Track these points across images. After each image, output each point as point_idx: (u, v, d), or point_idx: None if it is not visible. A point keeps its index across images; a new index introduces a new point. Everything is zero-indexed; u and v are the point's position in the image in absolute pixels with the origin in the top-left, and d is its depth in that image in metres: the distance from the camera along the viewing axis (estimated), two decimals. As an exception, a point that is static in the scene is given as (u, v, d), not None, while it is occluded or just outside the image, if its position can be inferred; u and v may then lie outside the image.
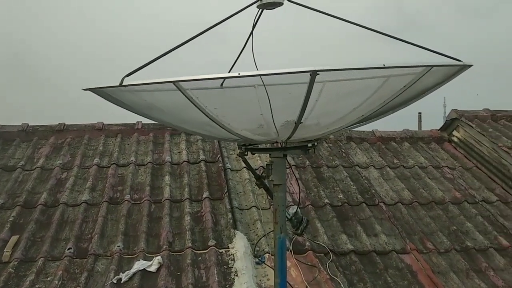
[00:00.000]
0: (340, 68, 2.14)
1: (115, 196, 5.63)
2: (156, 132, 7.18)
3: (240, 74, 2.16)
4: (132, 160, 6.34)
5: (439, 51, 2.62)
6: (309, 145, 3.04)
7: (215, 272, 4.35)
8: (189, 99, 2.41)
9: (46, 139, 6.93)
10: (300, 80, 2.38)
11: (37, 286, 4.19)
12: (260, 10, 2.88)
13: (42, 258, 4.51)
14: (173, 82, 2.23)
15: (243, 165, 6.37)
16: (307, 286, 4.37)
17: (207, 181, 5.92)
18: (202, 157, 6.48)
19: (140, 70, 2.59)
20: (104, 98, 2.85)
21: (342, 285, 4.37)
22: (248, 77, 2.41)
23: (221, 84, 2.64)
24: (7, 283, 4.20)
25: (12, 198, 5.51)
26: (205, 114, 2.57)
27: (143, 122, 7.34)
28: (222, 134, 2.96)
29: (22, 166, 6.17)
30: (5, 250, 4.62)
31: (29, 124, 7.19)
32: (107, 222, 5.14)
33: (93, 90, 2.65)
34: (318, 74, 2.06)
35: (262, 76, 2.23)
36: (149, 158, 6.41)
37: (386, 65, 2.13)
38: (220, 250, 4.73)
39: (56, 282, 4.18)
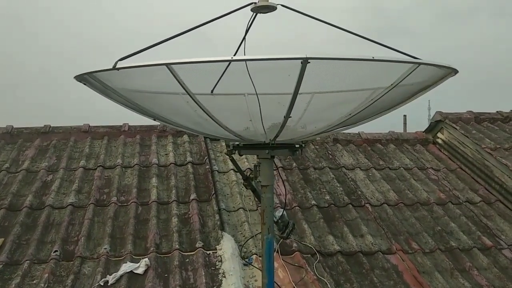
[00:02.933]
0: (330, 57, 2.17)
1: (102, 198, 5.60)
2: (143, 134, 7.16)
3: (233, 58, 2.20)
4: (118, 162, 6.32)
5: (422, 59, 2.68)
6: (297, 145, 3.08)
7: (203, 273, 4.35)
8: (180, 84, 2.43)
9: (31, 141, 6.87)
10: (288, 90, 2.42)
11: (22, 289, 4.15)
12: (254, 13, 2.92)
13: (27, 261, 4.47)
14: (166, 64, 2.25)
15: (231, 167, 6.39)
16: (294, 287, 4.39)
17: (194, 183, 5.92)
18: (189, 159, 6.48)
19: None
20: (96, 89, 2.85)
21: (329, 286, 4.41)
22: (239, 86, 2.53)
23: (212, 91, 2.67)
24: (-8, 286, 4.15)
25: (-3, 200, 5.44)
26: (196, 102, 2.59)
27: (129, 124, 7.33)
28: (212, 129, 2.99)
29: (7, 169, 6.10)
30: (-11, 253, 4.57)
31: (14, 126, 7.12)
32: (94, 225, 5.11)
33: (86, 75, 2.65)
34: (309, 62, 2.09)
35: (250, 65, 2.25)
36: (136, 160, 6.39)
37: (374, 58, 2.17)
38: (208, 252, 4.74)
39: (42, 285, 4.15)
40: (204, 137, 7.05)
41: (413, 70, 2.37)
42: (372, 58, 2.15)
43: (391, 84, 2.47)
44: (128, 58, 2.64)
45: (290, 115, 2.62)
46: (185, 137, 7.08)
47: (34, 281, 4.26)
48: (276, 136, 2.89)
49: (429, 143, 7.69)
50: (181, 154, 6.73)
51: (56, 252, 4.59)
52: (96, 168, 6.19)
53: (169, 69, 2.31)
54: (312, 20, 2.98)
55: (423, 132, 7.95)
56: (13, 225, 5.02)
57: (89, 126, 7.26)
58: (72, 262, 4.50)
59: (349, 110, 2.82)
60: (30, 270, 4.41)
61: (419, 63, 2.37)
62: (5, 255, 4.54)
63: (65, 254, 4.63)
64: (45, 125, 7.21)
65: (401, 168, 6.81)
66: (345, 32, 3.00)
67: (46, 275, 4.27)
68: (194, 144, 7.01)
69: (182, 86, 2.48)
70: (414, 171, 6.80)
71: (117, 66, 2.43)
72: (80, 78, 2.79)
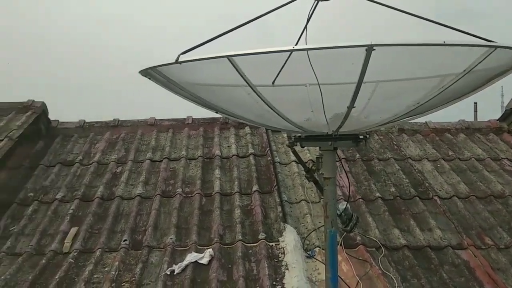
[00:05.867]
0: (397, 43, 2.04)
1: (168, 189, 5.77)
2: (206, 126, 7.29)
3: (294, 48, 2.13)
4: (183, 154, 6.47)
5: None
6: (361, 136, 2.99)
7: (266, 265, 4.36)
8: (242, 76, 2.41)
9: (101, 134, 7.19)
10: (350, 79, 2.34)
11: (95, 276, 4.36)
12: (316, 1, 2.84)
13: (99, 249, 4.69)
14: (227, 56, 2.23)
15: (292, 158, 6.35)
16: (358, 281, 4.30)
17: (256, 175, 5.95)
18: (251, 150, 6.52)
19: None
20: (160, 83, 2.91)
21: (395, 281, 4.27)
22: (299, 76, 2.47)
23: (273, 82, 2.63)
24: (68, 272, 4.40)
25: (71, 191, 5.76)
26: (257, 94, 2.57)
27: (193, 117, 7.48)
28: (274, 121, 2.96)
29: (80, 161, 6.43)
30: (65, 241, 4.84)
31: (86, 121, 7.48)
32: (160, 215, 5.27)
33: (150, 70, 2.70)
34: (374, 49, 1.99)
35: (311, 54, 2.18)
36: (200, 152, 6.52)
37: (446, 42, 2.02)
38: (270, 244, 4.74)
39: (113, 272, 4.34)
40: (265, 128, 7.05)
41: (488, 55, 2.20)
42: (443, 43, 2.01)
43: (464, 70, 2.31)
44: (190, 52, 2.66)
45: (354, 105, 2.53)
46: (247, 129, 7.13)
47: (106, 269, 4.46)
48: (339, 127, 2.81)
49: (504, 132, 7.23)
50: (243, 146, 6.78)
51: (126, 241, 4.78)
52: (162, 160, 6.37)
53: (230, 61, 2.30)
54: (374, 6, 2.86)
55: (497, 120, 7.48)
56: (86, 215, 5.29)
57: (155, 119, 7.49)
58: (140, 251, 4.67)
59: (416, 98, 2.69)
60: (102, 258, 4.62)
61: (496, 47, 2.19)
62: (79, 243, 4.79)
63: (133, 243, 4.81)
64: (114, 119, 7.52)
65: (473, 158, 6.46)
66: (410, 16, 2.85)
67: (117, 263, 4.46)
68: (256, 136, 7.04)
69: (244, 78, 2.46)
70: (487, 162, 6.42)
71: (179, 60, 2.45)
72: (145, 72, 2.85)
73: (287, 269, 4.37)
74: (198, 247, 4.68)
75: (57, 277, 4.29)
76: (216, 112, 3.29)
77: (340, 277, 4.09)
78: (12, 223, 5.22)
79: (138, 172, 6.18)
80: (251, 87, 2.53)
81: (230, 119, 7.20)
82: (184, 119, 7.49)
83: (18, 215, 5.36)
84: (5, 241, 4.90)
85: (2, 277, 4.29)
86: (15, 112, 7.13)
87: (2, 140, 6.33)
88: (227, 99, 3.08)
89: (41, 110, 7.18)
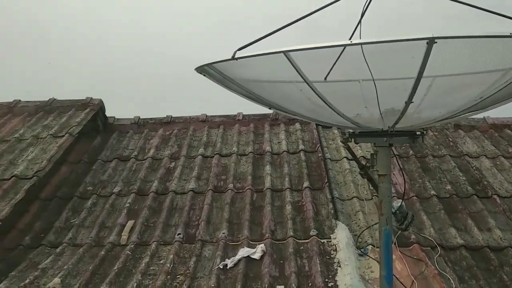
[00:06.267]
0: (460, 35, 1.97)
1: (219, 184, 5.86)
2: (256, 122, 7.34)
3: (351, 42, 2.10)
4: (234, 150, 6.55)
5: None
6: (417, 133, 2.92)
7: (318, 262, 4.35)
8: (298, 72, 2.41)
9: (155, 130, 7.40)
10: (405, 73, 2.28)
11: (151, 268, 4.50)
12: None
13: (155, 242, 4.84)
14: (284, 52, 2.24)
15: (343, 155, 6.29)
16: (413, 280, 4.21)
17: (307, 171, 5.93)
18: (301, 147, 6.50)
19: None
20: (215, 80, 2.95)
21: (452, 281, 4.14)
22: (352, 71, 2.44)
23: (325, 78, 2.61)
24: (125, 264, 4.56)
25: (128, 186, 5.96)
26: (313, 90, 2.56)
27: (243, 113, 7.55)
28: (327, 116, 2.93)
29: (135, 156, 6.64)
30: (123, 234, 5.03)
31: (140, 117, 7.72)
32: (213, 210, 5.36)
33: (205, 67, 2.74)
34: (436, 42, 1.93)
35: (366, 49, 2.14)
36: (250, 148, 6.57)
37: None
38: (322, 240, 4.72)
39: (168, 265, 4.46)
40: (316, 124, 7.01)
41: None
42: (510, 35, 1.93)
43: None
44: (245, 48, 2.68)
45: (412, 101, 2.47)
46: (297, 125, 7.12)
47: (161, 261, 4.60)
48: (396, 123, 2.75)
49: None
50: (293, 142, 6.78)
51: (180, 235, 4.90)
52: (213, 156, 6.48)
53: (286, 56, 2.29)
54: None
55: (562, 115, 7.08)
56: (141, 208, 5.47)
57: (206, 115, 7.62)
58: (194, 245, 4.78)
59: (476, 93, 2.59)
60: (157, 250, 4.77)
61: None
62: (135, 236, 4.96)
63: (187, 237, 4.93)
64: (167, 116, 7.72)
65: (535, 156, 6.15)
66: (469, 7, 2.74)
67: (172, 256, 4.59)
68: (306, 132, 7.01)
69: (300, 74, 2.46)
70: (551, 159, 6.10)
71: (235, 56, 2.48)
72: (201, 69, 2.90)
73: (340, 266, 4.34)
74: (250, 242, 4.73)
75: (115, 268, 4.46)
76: (269, 108, 3.31)
77: (395, 276, 4.01)
78: (73, 215, 5.48)
79: (190, 168, 6.31)
80: (307, 83, 2.53)
81: (280, 115, 7.21)
82: (235, 115, 7.58)
83: (78, 207, 5.62)
84: (67, 232, 5.15)
85: (65, 267, 4.51)
86: (75, 109, 7.46)
87: (64, 136, 6.65)
88: (279, 96, 3.09)
89: (99, 107, 7.48)
